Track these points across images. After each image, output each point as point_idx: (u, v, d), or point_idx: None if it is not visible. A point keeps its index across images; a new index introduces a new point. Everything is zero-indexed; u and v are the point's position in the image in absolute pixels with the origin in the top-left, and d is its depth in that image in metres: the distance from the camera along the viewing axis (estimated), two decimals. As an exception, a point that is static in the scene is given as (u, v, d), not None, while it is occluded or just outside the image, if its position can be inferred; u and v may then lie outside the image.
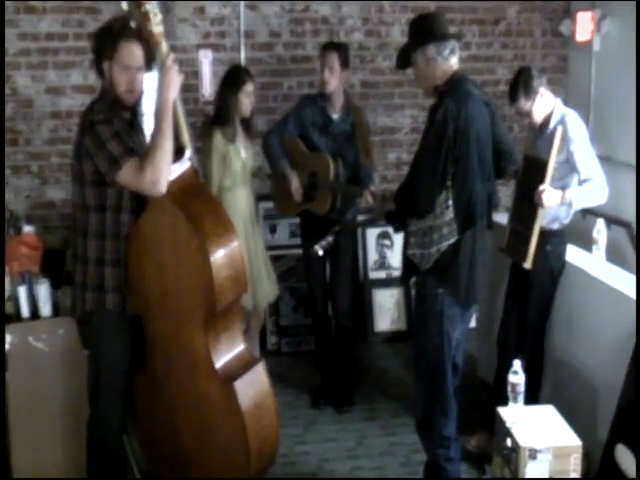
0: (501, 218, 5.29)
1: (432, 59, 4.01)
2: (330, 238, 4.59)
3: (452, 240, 3.98)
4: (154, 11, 3.67)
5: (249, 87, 5.28)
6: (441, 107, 3.92)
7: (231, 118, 5.27)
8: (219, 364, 3.89)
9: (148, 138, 3.92)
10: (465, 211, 3.97)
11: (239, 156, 5.28)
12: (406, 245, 4.17)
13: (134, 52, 3.79)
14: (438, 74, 4.02)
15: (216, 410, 3.90)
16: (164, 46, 3.73)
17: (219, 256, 3.79)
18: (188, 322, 3.86)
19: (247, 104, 5.28)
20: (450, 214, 3.97)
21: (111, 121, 3.74)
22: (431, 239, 4.01)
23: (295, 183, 5.47)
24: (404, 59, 4.16)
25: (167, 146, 3.65)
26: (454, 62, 4.05)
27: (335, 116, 5.48)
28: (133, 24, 3.88)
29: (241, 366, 3.96)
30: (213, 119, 5.36)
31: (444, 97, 3.96)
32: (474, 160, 3.95)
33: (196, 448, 3.97)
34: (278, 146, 5.50)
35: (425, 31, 4.05)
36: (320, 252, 4.61)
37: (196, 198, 3.94)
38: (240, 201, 5.31)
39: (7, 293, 4.57)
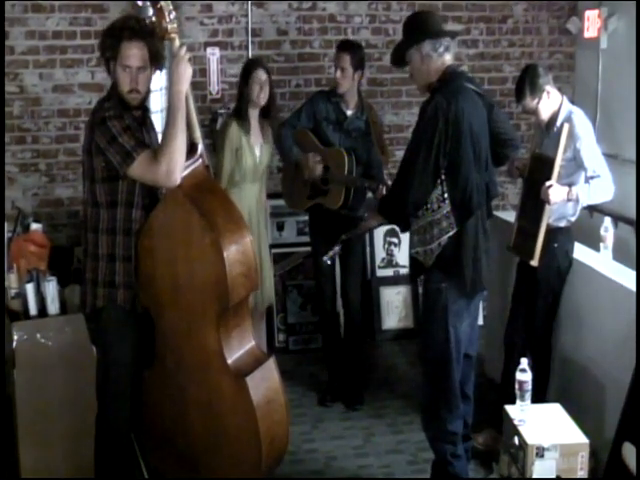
0: (508, 216, 5.30)
1: (427, 56, 4.03)
2: (337, 248, 4.63)
3: (451, 233, 4.01)
4: (169, 8, 3.73)
5: (259, 73, 5.26)
6: (431, 104, 3.95)
7: (245, 109, 5.27)
8: (231, 359, 3.89)
9: (159, 135, 3.95)
10: (461, 203, 3.99)
11: (252, 153, 5.27)
12: (410, 244, 4.20)
13: (135, 52, 3.80)
14: (432, 70, 4.05)
15: (228, 405, 3.90)
16: (177, 41, 3.78)
17: (232, 252, 3.80)
18: (200, 318, 3.87)
19: (256, 90, 5.23)
20: (447, 207, 3.99)
21: (122, 116, 3.77)
22: (432, 235, 4.03)
23: (312, 159, 5.42)
24: (399, 57, 4.18)
25: (181, 137, 3.69)
26: (448, 59, 4.07)
27: (349, 112, 5.48)
28: (148, 21, 3.92)
29: (252, 362, 3.97)
30: (232, 112, 5.41)
31: (435, 93, 3.99)
32: (468, 152, 3.97)
33: (207, 444, 3.97)
34: (290, 137, 5.46)
35: (420, 28, 4.08)
36: (329, 262, 4.72)
37: (208, 194, 3.96)
38: (247, 198, 5.30)
39: (15, 291, 4.58)
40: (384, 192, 5.01)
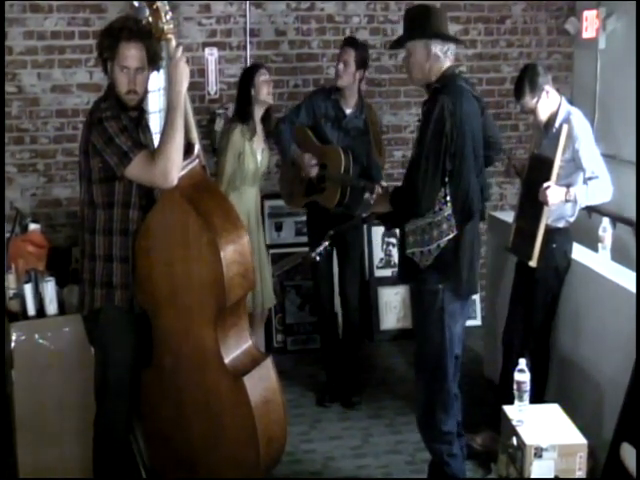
0: (507, 216, 5.29)
1: (435, 55, 4.01)
2: (326, 243, 4.62)
3: (451, 235, 3.99)
4: (165, 8, 3.75)
5: (263, 72, 5.32)
6: (437, 104, 3.93)
7: (250, 112, 5.29)
8: (228, 359, 3.90)
9: (155, 136, 3.94)
10: (463, 206, 3.98)
11: (254, 157, 5.30)
12: (403, 244, 4.17)
13: (133, 53, 3.80)
14: (434, 70, 4.03)
15: (225, 405, 3.91)
16: (173, 42, 3.79)
17: (229, 252, 3.82)
18: (198, 318, 3.88)
19: (265, 89, 5.28)
20: (448, 210, 3.98)
21: (119, 117, 3.78)
22: (431, 236, 4.01)
23: (308, 160, 5.43)
24: (401, 42, 4.15)
25: (178, 138, 3.70)
26: (449, 61, 4.06)
27: (348, 111, 5.49)
28: (144, 21, 3.92)
29: (249, 361, 3.98)
30: (234, 115, 5.41)
31: (438, 94, 3.97)
32: (470, 156, 3.97)
33: (205, 444, 3.98)
34: (289, 133, 5.48)
35: (434, 25, 4.03)
36: (317, 258, 4.68)
37: (205, 194, 3.97)
38: (247, 201, 5.32)
39: (13, 291, 4.57)
40: (380, 192, 4.88)
